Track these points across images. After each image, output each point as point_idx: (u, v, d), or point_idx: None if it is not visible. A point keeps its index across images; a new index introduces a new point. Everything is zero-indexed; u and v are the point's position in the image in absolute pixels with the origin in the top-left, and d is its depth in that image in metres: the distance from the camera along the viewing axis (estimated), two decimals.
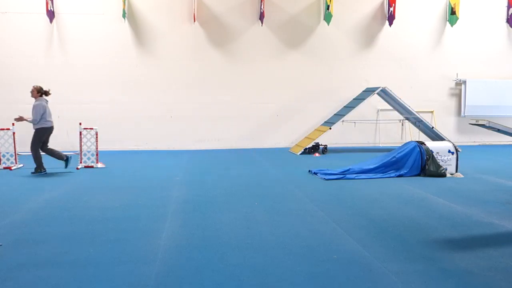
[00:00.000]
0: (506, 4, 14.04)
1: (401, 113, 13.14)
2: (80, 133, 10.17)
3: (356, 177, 8.53)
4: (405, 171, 8.73)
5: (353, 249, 4.69)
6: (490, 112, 13.76)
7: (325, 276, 4.01)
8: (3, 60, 12.43)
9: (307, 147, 12.14)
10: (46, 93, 9.25)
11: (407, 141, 11.15)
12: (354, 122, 13.13)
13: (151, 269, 4.17)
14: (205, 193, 7.36)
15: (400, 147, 9.19)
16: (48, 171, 9.49)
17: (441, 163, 8.82)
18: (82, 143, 10.17)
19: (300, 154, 12.02)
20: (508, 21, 14.05)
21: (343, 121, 12.36)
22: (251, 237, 5.10)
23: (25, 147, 11.89)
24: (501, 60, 14.28)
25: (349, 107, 12.60)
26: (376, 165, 8.85)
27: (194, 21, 12.78)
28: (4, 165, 9.81)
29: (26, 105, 12.45)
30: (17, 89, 12.48)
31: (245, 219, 5.83)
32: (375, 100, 13.02)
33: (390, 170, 8.82)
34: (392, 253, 4.58)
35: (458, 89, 14.24)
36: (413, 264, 4.31)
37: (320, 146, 12.26)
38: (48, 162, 10.69)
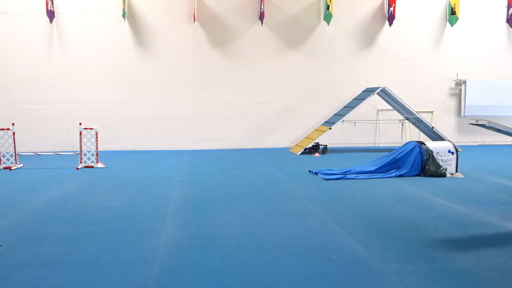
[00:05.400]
0: (506, 4, 14.03)
1: (401, 113, 13.14)
2: (80, 133, 10.16)
3: (356, 177, 8.52)
4: (405, 171, 8.73)
5: (353, 249, 4.69)
6: (490, 112, 13.75)
7: (325, 276, 4.01)
8: (3, 60, 12.42)
9: (307, 147, 12.14)
10: None
11: (407, 141, 11.16)
12: (354, 122, 13.13)
13: (151, 269, 4.17)
14: (205, 193, 7.36)
15: (400, 148, 9.19)
16: (48, 171, 9.51)
17: (441, 163, 8.82)
18: (82, 143, 10.17)
19: (300, 154, 12.02)
20: (508, 21, 14.04)
21: (343, 121, 12.35)
22: (251, 237, 5.10)
23: (25, 147, 11.97)
24: (501, 60, 14.27)
25: (349, 107, 12.59)
26: (377, 167, 8.85)
27: (194, 21, 12.77)
28: (4, 165, 9.80)
29: (26, 105, 12.55)
30: (17, 89, 12.50)
31: (245, 219, 5.83)
32: (375, 100, 13.01)
33: (390, 170, 8.82)
34: (392, 253, 4.58)
35: (458, 89, 14.23)
36: (413, 264, 4.31)
37: (320, 146, 12.25)
38: (49, 161, 10.71)
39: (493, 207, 6.44)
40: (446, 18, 13.81)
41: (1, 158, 9.87)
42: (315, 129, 12.87)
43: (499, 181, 8.38)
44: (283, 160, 11.15)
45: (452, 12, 13.42)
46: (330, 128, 12.22)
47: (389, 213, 6.14)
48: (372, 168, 8.83)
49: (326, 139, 12.78)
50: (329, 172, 8.84)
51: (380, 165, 8.88)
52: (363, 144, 13.91)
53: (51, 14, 12.22)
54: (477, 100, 13.96)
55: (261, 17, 12.98)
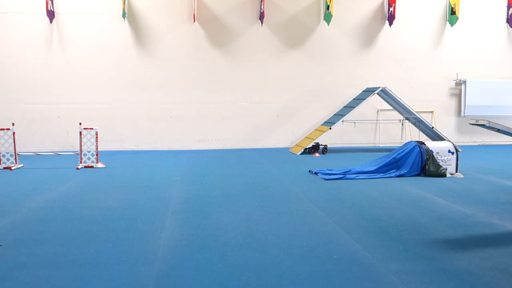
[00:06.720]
0: (506, 4, 14.03)
1: (401, 113, 13.14)
2: (80, 133, 10.17)
3: (356, 177, 8.52)
4: (405, 171, 8.73)
5: (353, 249, 4.69)
6: (490, 112, 13.75)
7: (325, 276, 4.01)
8: (3, 60, 12.41)
9: (307, 147, 12.14)
10: None
11: (407, 141, 11.16)
12: (354, 122, 13.12)
13: (151, 269, 4.17)
14: (205, 193, 7.36)
15: (400, 148, 9.19)
16: (48, 171, 9.51)
17: (441, 163, 8.82)
18: (82, 143, 10.17)
19: (300, 154, 12.02)
20: (508, 21, 14.04)
21: (343, 121, 12.35)
22: (251, 237, 5.10)
23: (25, 147, 11.97)
24: (501, 60, 14.27)
25: (349, 107, 12.59)
26: (377, 167, 8.85)
27: (194, 21, 12.77)
28: (4, 165, 9.80)
29: (26, 105, 12.55)
30: (17, 89, 12.50)
31: (245, 219, 5.83)
32: (375, 100, 13.01)
33: (390, 170, 8.82)
34: (392, 253, 4.58)
35: (458, 89, 14.23)
36: (413, 264, 4.31)
37: (320, 146, 12.25)
38: (49, 161, 10.71)
39: (493, 207, 6.44)
40: (446, 18, 13.81)
41: (1, 158, 9.87)
42: (315, 129, 12.87)
43: (499, 181, 8.38)
44: (283, 160, 11.14)
45: (452, 12, 13.42)
46: (330, 128, 12.22)
47: (389, 213, 6.14)
48: (372, 168, 8.83)
49: (326, 139, 12.78)
50: (329, 172, 8.84)
51: (380, 165, 8.88)
52: (363, 144, 13.91)
53: (51, 14, 12.22)
54: (477, 100, 13.96)
55: (261, 17, 12.98)
